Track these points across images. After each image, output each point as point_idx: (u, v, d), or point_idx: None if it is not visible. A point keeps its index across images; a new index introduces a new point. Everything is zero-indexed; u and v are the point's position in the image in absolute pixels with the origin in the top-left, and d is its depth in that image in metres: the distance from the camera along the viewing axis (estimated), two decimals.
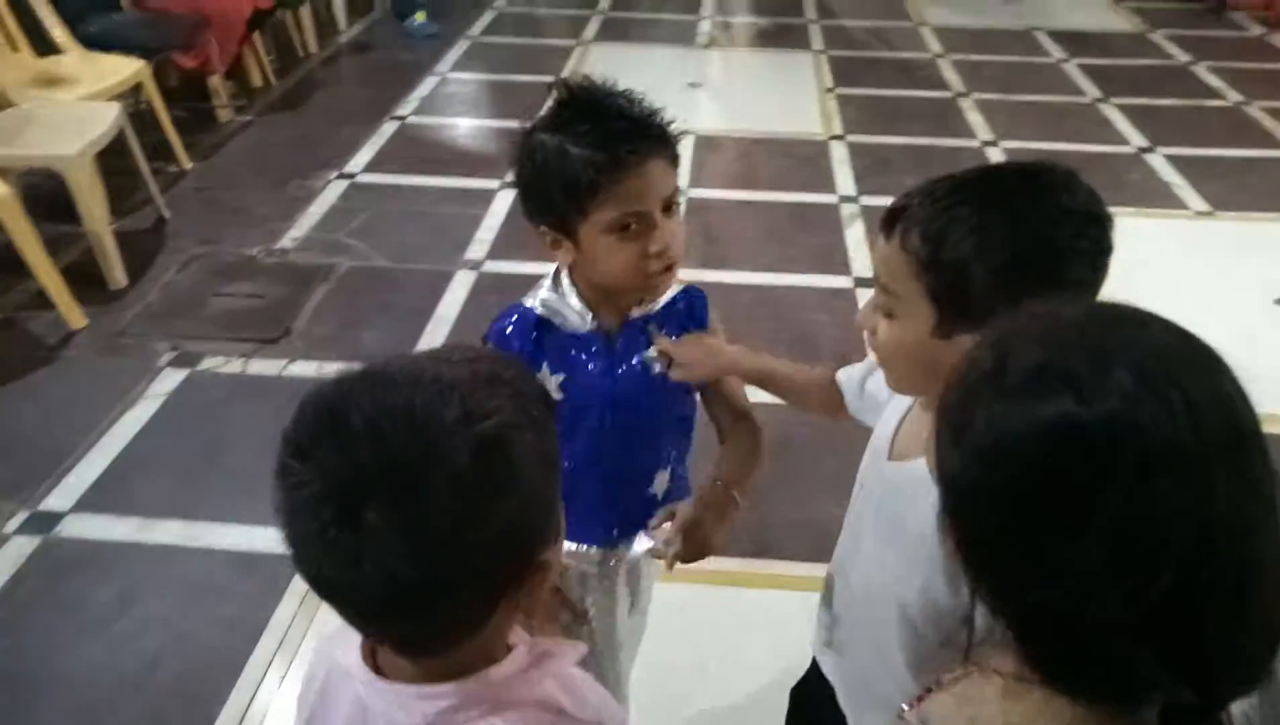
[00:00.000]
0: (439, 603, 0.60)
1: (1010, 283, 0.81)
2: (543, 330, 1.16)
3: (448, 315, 2.99)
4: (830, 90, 4.77)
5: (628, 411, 1.18)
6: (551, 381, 1.17)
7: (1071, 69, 5.07)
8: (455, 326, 2.92)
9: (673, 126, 1.08)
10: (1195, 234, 3.48)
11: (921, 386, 0.95)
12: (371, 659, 0.69)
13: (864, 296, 3.08)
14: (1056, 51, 5.32)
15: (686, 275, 3.46)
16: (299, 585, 2.02)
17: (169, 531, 2.17)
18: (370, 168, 3.96)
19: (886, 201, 3.40)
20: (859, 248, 3.35)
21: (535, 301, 1.17)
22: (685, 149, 3.79)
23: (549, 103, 1.10)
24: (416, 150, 4.16)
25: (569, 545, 1.26)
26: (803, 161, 4.02)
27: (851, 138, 4.21)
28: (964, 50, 5.30)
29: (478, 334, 3.04)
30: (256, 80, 4.73)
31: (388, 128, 4.33)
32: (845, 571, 1.09)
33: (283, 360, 2.76)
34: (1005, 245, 0.81)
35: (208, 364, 2.74)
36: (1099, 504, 0.51)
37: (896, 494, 0.97)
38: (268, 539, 2.16)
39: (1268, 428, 0.56)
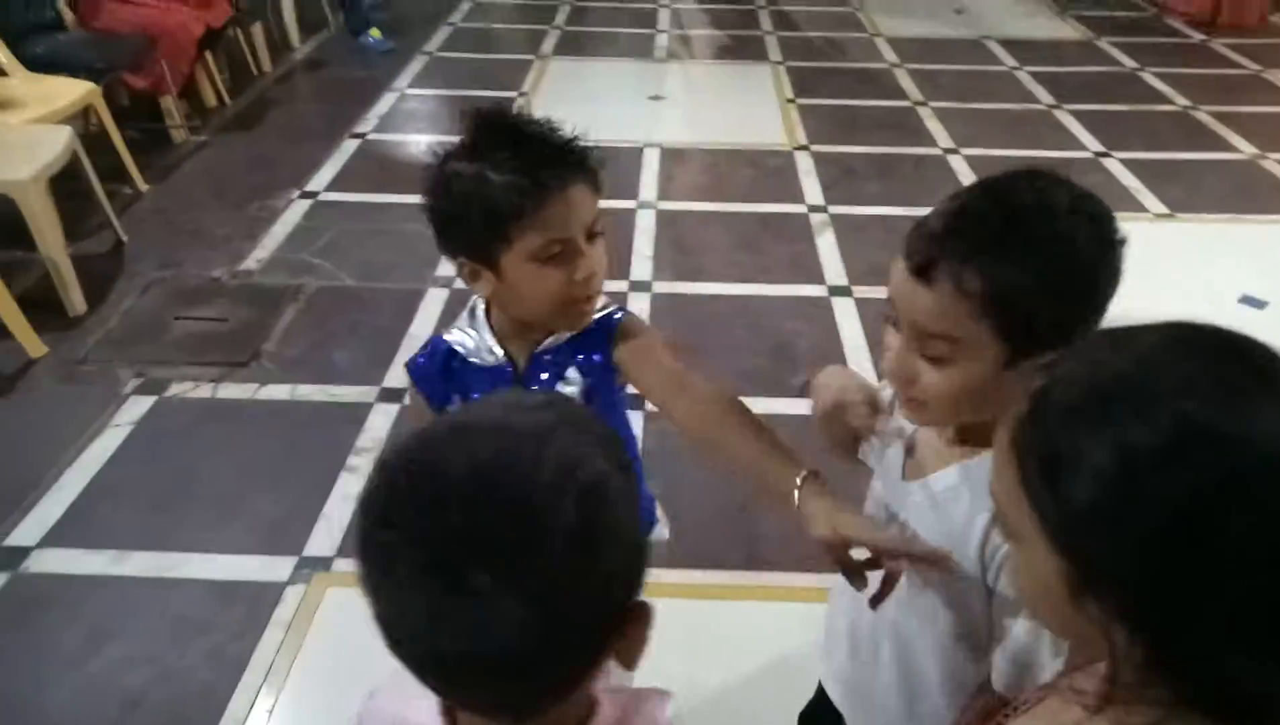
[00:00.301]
0: (547, 663, 0.58)
1: (1071, 303, 0.81)
2: (453, 363, 1.17)
3: (421, 334, 2.93)
4: (791, 101, 4.81)
5: None
6: None
7: (1024, 76, 5.17)
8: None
9: (594, 154, 1.07)
10: (1157, 236, 3.55)
11: (967, 417, 0.92)
12: (450, 721, 0.65)
13: (839, 305, 3.09)
14: (1008, 60, 5.43)
15: (662, 288, 3.43)
16: (282, 614, 1.96)
17: (142, 564, 2.09)
18: (333, 186, 3.89)
19: (855, 210, 3.47)
20: (831, 256, 3.37)
21: (450, 336, 1.19)
22: (651, 161, 3.86)
23: (462, 132, 1.08)
24: (379, 167, 4.10)
25: None
26: (770, 172, 4.04)
27: (816, 147, 4.24)
28: (918, 60, 5.38)
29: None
30: (210, 100, 4.64)
31: (348, 145, 4.27)
32: (862, 605, 1.07)
33: (254, 384, 2.69)
34: (1063, 267, 0.80)
35: (175, 390, 2.65)
36: (1236, 507, 0.50)
37: (924, 510, 0.95)
38: (246, 568, 2.10)
39: None
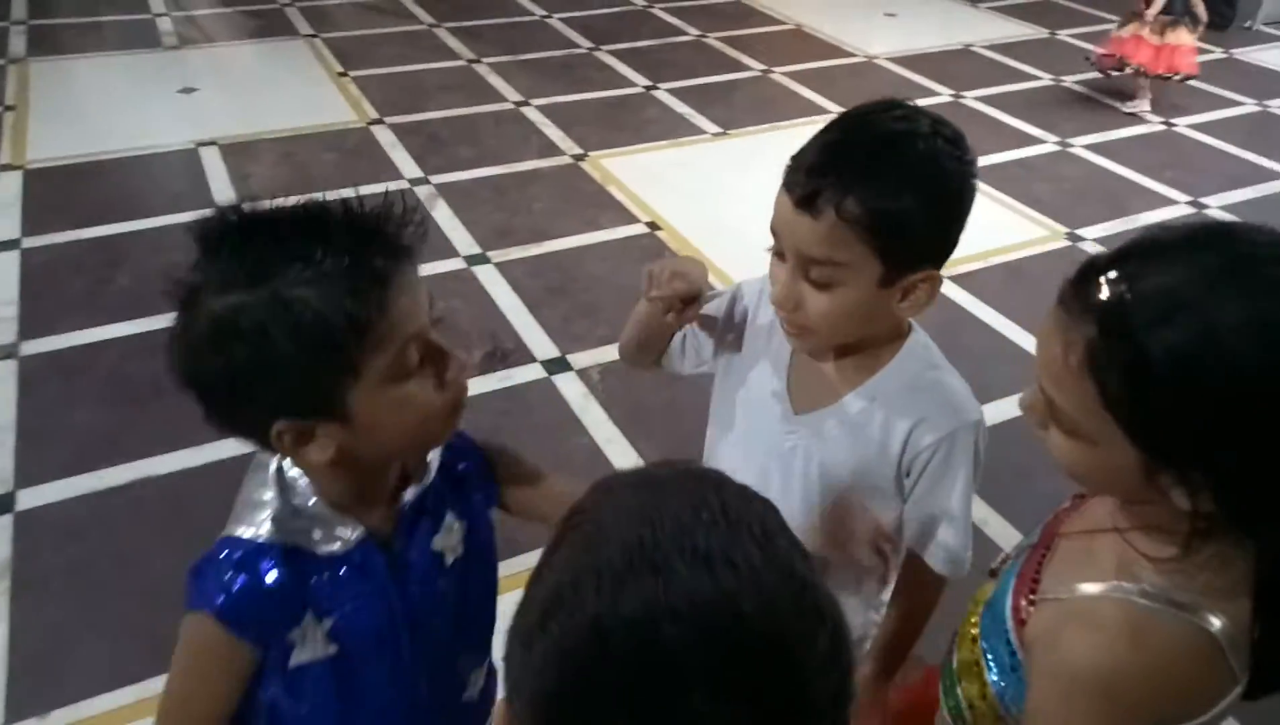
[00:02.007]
0: None
1: (943, 220, 0.87)
2: (290, 564, 0.81)
3: (3, 422, 2.33)
4: (344, 75, 4.53)
5: (432, 628, 0.90)
6: (318, 631, 0.83)
7: (557, 24, 5.41)
8: (21, 431, 2.30)
9: (413, 212, 0.78)
10: (721, 152, 3.98)
11: (847, 336, 0.96)
12: None
13: (482, 273, 3.04)
14: (537, 9, 5.62)
15: None
16: None
17: None
18: None
19: (457, 177, 3.49)
20: (453, 226, 3.28)
21: (262, 529, 0.81)
22: (213, 162, 3.58)
23: (197, 257, 0.75)
24: None
25: None
26: (352, 151, 3.79)
27: (391, 119, 4.06)
28: (455, 18, 5.36)
29: (62, 434, 2.41)
30: None
31: None
32: None
33: None
34: (934, 188, 0.86)
35: None
36: None
37: (838, 436, 0.99)
38: None
39: None
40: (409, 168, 3.67)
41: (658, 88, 4.57)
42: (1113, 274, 0.66)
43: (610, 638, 0.45)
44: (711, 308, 1.09)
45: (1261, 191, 3.80)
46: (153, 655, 1.72)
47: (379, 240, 0.75)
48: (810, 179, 0.86)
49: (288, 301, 0.71)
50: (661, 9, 5.74)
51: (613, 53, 4.98)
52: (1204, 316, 0.61)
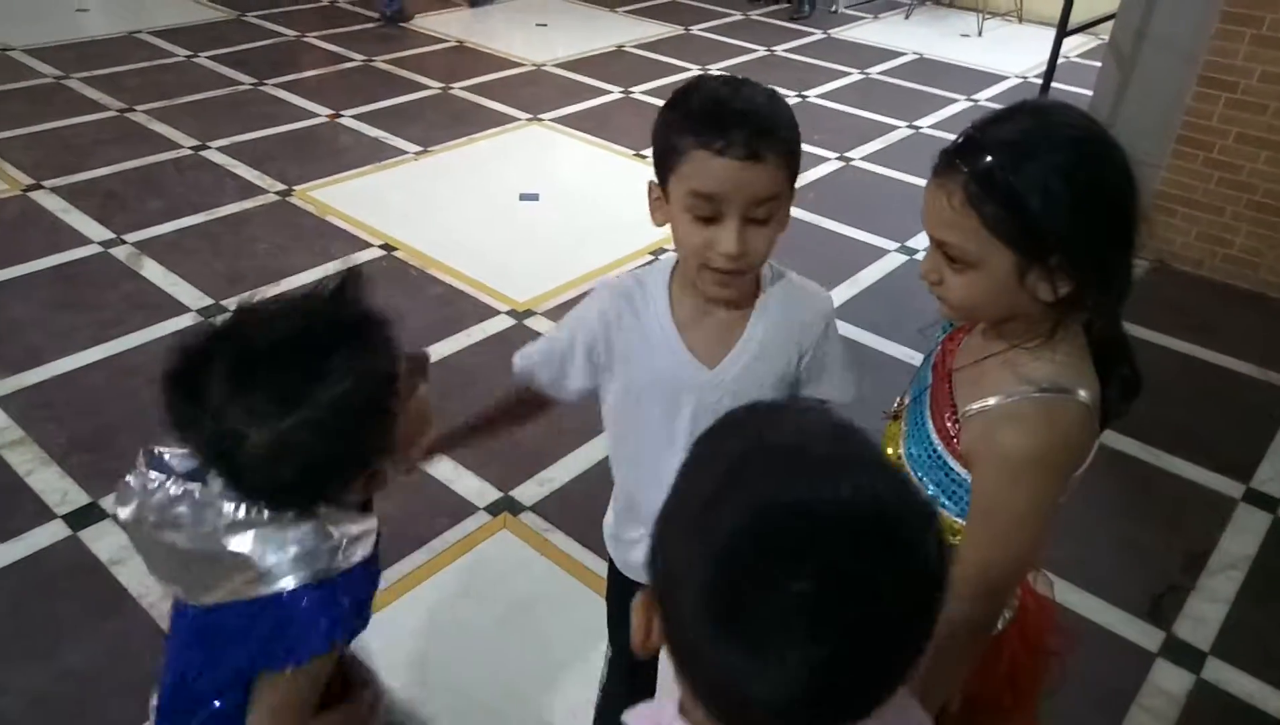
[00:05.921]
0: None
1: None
2: (358, 577, 0.94)
3: None
4: None
5: None
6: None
7: (206, 63, 5.07)
8: None
9: (361, 277, 0.93)
10: (430, 169, 4.01)
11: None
12: None
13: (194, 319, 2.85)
14: (179, 50, 5.23)
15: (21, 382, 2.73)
16: None
17: None
18: None
19: (156, 232, 3.52)
20: (171, 282, 3.04)
21: (329, 564, 0.91)
22: None
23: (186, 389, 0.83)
24: None
25: None
26: (16, 224, 3.34)
27: (51, 183, 3.63)
28: (91, 66, 4.84)
29: None
30: None
31: None
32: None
33: None
34: (794, 120, 1.05)
35: None
36: (1126, 181, 0.90)
37: (753, 363, 1.14)
38: None
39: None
40: (94, 230, 3.32)
41: (342, 115, 4.48)
42: (969, 141, 0.91)
43: (773, 518, 0.53)
44: (561, 353, 1.20)
45: (888, 141, 4.57)
46: None
47: (360, 311, 0.87)
48: (749, 143, 0.99)
49: (341, 400, 0.80)
50: (315, 38, 5.60)
51: (281, 85, 4.79)
52: (1042, 156, 0.88)
